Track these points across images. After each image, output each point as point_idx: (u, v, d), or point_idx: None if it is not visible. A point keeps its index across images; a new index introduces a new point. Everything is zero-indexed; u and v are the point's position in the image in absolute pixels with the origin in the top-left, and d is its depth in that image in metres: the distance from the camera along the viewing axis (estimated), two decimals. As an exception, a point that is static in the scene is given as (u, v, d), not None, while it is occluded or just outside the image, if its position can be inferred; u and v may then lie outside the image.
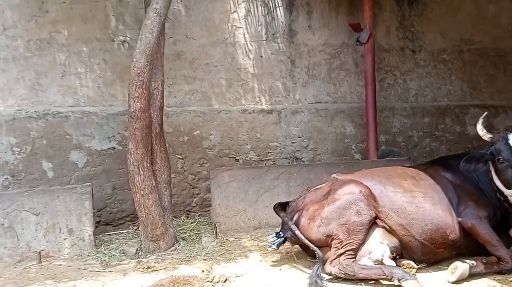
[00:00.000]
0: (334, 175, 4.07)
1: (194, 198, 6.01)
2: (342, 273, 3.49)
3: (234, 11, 6.10)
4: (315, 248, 3.70)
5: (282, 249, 4.19)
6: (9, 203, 4.40)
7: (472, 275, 3.50)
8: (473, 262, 3.55)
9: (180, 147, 5.89)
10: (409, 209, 3.69)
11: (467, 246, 3.84)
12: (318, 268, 3.56)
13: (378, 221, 3.68)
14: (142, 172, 4.46)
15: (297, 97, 6.46)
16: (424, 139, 7.22)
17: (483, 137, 3.86)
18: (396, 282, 3.32)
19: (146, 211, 4.50)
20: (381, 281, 3.44)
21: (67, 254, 4.52)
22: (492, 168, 3.80)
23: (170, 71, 5.71)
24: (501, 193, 3.78)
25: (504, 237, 3.91)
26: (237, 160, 6.14)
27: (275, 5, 6.28)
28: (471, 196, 3.88)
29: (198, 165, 6.00)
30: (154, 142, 4.63)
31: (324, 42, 6.58)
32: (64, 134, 5.41)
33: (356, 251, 3.57)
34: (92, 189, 4.70)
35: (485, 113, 4.08)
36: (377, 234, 3.66)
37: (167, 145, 4.83)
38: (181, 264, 4.22)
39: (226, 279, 3.71)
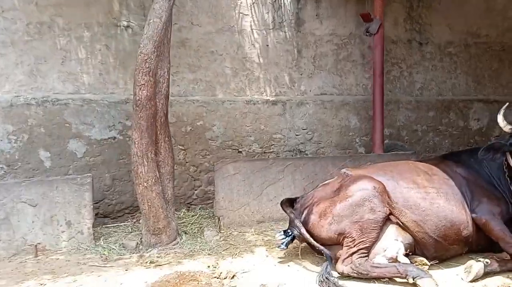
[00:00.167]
0: (344, 170, 3.96)
1: (195, 190, 5.87)
2: (354, 272, 3.39)
3: (241, -2, 5.92)
4: (321, 247, 3.60)
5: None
6: (5, 194, 4.21)
7: (486, 274, 3.43)
8: (487, 260, 3.47)
9: (183, 137, 5.73)
10: (423, 205, 3.59)
11: (478, 242, 3.80)
12: (327, 265, 3.46)
13: (391, 217, 3.58)
14: (146, 162, 4.30)
15: (302, 89, 6.31)
16: (428, 133, 7.13)
17: (504, 129, 3.83)
18: (410, 280, 3.25)
19: (149, 204, 4.35)
20: (395, 279, 3.35)
21: (65, 247, 4.36)
22: (510, 159, 3.76)
23: (174, 59, 5.49)
24: None
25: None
26: (240, 152, 6.00)
27: (283, -7, 6.11)
28: (484, 191, 3.83)
29: (200, 157, 5.85)
30: (158, 132, 4.48)
31: (332, 32, 6.42)
32: (63, 123, 5.22)
33: (369, 249, 3.46)
34: (92, 180, 4.54)
35: (507, 104, 4.01)
36: (391, 231, 3.56)
37: (169, 135, 4.68)
38: (185, 258, 4.09)
39: (233, 275, 3.59)
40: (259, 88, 6.08)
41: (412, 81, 7.04)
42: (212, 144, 5.88)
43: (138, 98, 4.20)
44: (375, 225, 3.45)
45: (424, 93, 7.12)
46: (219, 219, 4.86)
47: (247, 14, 5.99)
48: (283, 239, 3.82)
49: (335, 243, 3.60)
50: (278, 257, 4.04)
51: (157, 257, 4.14)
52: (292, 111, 6.22)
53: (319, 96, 6.39)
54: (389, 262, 3.45)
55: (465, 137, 7.37)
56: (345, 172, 3.89)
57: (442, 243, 3.59)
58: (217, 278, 3.57)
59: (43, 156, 5.17)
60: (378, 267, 3.37)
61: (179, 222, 5.07)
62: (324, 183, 4.12)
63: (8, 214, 4.21)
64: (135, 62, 5.41)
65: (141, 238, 4.59)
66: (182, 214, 5.46)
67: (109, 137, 5.42)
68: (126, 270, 3.82)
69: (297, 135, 6.27)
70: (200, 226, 5.12)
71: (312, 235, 3.68)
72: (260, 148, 6.07)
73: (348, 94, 6.58)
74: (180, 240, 4.62)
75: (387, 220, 3.57)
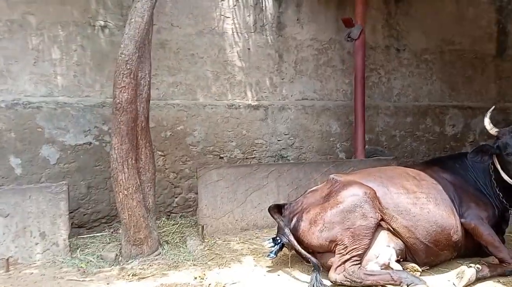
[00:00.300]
0: (332, 176, 3.88)
1: (176, 197, 5.67)
2: (347, 281, 3.31)
3: (223, 0, 5.78)
4: (308, 256, 3.50)
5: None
6: (-27, 203, 3.91)
7: (478, 279, 3.42)
8: (478, 266, 3.47)
9: (162, 143, 5.53)
10: (414, 211, 3.57)
11: (466, 247, 3.81)
12: (316, 274, 3.37)
13: (382, 223, 3.53)
14: (126, 169, 4.09)
15: (284, 93, 6.24)
16: (406, 139, 7.22)
17: (490, 131, 3.92)
18: (404, 288, 3.19)
19: (129, 213, 4.14)
20: (389, 287, 3.30)
21: (39, 260, 4.07)
22: (497, 162, 3.80)
23: (153, 61, 5.13)
24: (501, 188, 3.82)
25: (500, 237, 3.90)
26: (222, 158, 5.85)
27: (265, -4, 6.04)
28: (471, 196, 3.86)
29: (181, 163, 5.66)
30: (139, 137, 4.27)
31: (312, 37, 6.40)
32: (35, 127, 4.91)
33: (362, 256, 3.39)
34: (68, 188, 4.27)
35: (492, 107, 4.08)
36: (383, 237, 3.51)
37: (149, 141, 4.47)
38: (169, 270, 3.90)
39: (223, 287, 3.45)
40: (241, 93, 5.96)
41: (390, 87, 7.11)
42: (193, 150, 5.71)
43: (118, 101, 3.99)
44: (367, 232, 3.39)
45: (401, 99, 7.20)
46: (203, 227, 4.69)
47: (229, 17, 5.87)
48: (272, 247, 3.71)
49: (327, 250, 3.52)
50: (267, 267, 3.92)
51: (140, 269, 3.93)
52: (274, 116, 6.14)
53: (300, 101, 6.34)
54: (381, 269, 3.40)
55: (441, 143, 7.51)
56: (333, 178, 3.82)
57: (433, 249, 3.57)
58: (206, 290, 3.41)
59: (13, 163, 4.84)
60: (371, 274, 3.31)
61: (159, 231, 4.86)
62: (312, 189, 4.03)
63: (-25, 225, 3.90)
64: (112, 63, 5.26)
65: (120, 249, 4.36)
66: (162, 223, 5.25)
67: (84, 143, 5.15)
68: (107, 283, 3.60)
69: (279, 140, 6.18)
70: (182, 235, 4.93)
71: (302, 243, 3.58)
72: (242, 153, 5.95)
73: (328, 100, 6.56)
74: (162, 250, 4.41)
75: (378, 226, 3.52)
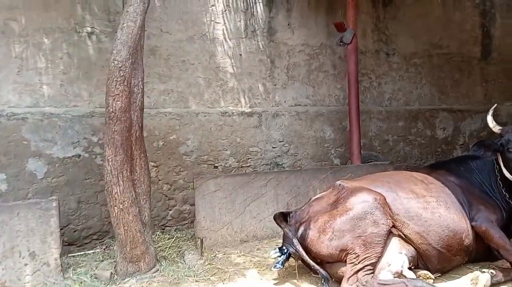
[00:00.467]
0: (339, 182, 3.76)
1: (170, 210, 5.44)
2: (361, 291, 3.18)
3: (213, 5, 5.65)
4: (317, 267, 3.37)
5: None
6: (-45, 223, 3.62)
7: (492, 285, 3.34)
8: (492, 271, 3.39)
9: (155, 153, 5.31)
10: (425, 215, 3.47)
11: (477, 251, 3.74)
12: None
13: (393, 229, 3.42)
14: (121, 182, 3.88)
15: (277, 99, 6.12)
16: (398, 143, 7.19)
17: (493, 129, 3.89)
18: (421, 297, 3.08)
19: (125, 228, 3.92)
20: (404, 296, 3.17)
21: (29, 282, 3.78)
22: (501, 159, 3.78)
23: None
24: (507, 188, 3.79)
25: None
26: (216, 167, 5.67)
27: (255, 1, 5.91)
28: (479, 199, 3.81)
29: (174, 173, 5.45)
30: (133, 147, 4.07)
31: (304, 42, 6.32)
32: (21, 140, 4.63)
33: (374, 265, 3.27)
34: (58, 203, 4.02)
35: (495, 105, 4.06)
36: (394, 244, 3.40)
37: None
38: (170, 287, 3.70)
39: (231, 304, 3.26)
40: (234, 99, 5.81)
41: (381, 91, 7.08)
42: (187, 159, 5.51)
43: (111, 110, 3.79)
44: (380, 239, 3.27)
45: (393, 104, 7.18)
46: (202, 240, 4.49)
47: (219, 22, 5.73)
48: (278, 257, 3.55)
49: (337, 260, 3.38)
50: (273, 279, 3.75)
51: (138, 287, 3.71)
52: (268, 123, 6.00)
53: (293, 107, 6.24)
54: (394, 277, 3.28)
55: (433, 146, 7.51)
56: (340, 184, 3.70)
57: (445, 254, 3.47)
58: (213, 307, 3.22)
59: (-3, 178, 4.56)
60: (385, 284, 3.18)
61: (155, 246, 4.62)
62: (316, 196, 3.90)
63: (-43, 247, 3.60)
64: (100, 71, 5.07)
65: (115, 267, 4.13)
66: (157, 237, 5.01)
67: (73, 155, 4.89)
68: (105, 305, 3.36)
69: (273, 148, 6.04)
70: (179, 249, 4.72)
71: (310, 252, 3.44)
72: (236, 162, 5.78)
73: (321, 105, 6.48)
74: (160, 266, 4.20)
75: (389, 233, 3.40)
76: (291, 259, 3.63)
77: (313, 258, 3.45)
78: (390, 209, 3.43)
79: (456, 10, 7.69)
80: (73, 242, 4.88)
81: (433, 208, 3.51)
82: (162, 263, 4.28)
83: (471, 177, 3.99)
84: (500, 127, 3.85)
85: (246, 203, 4.83)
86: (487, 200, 3.81)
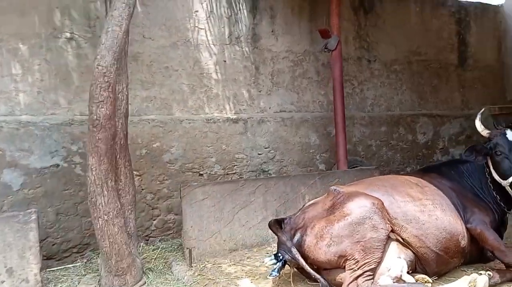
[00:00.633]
0: (333, 187, 3.67)
1: (154, 220, 5.25)
2: (362, 297, 3.09)
3: (196, 11, 5.54)
4: (318, 276, 3.27)
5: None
6: None
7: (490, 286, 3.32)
8: (489, 272, 3.38)
9: (137, 161, 5.12)
10: (422, 218, 3.43)
11: (471, 253, 3.72)
12: None
13: (391, 234, 3.35)
14: (106, 192, 3.69)
15: (262, 106, 6.05)
16: (381, 148, 7.22)
17: (482, 133, 3.90)
18: (421, 302, 3.02)
19: (111, 240, 3.72)
20: (405, 302, 3.11)
21: (6, 301, 3.56)
22: (490, 163, 3.80)
23: None
24: (497, 190, 3.80)
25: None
26: (201, 175, 5.52)
27: (239, 7, 5.85)
28: (472, 202, 3.81)
29: (158, 182, 5.27)
30: (118, 156, 3.91)
31: (287, 49, 6.29)
32: (-5, 150, 4.40)
33: (374, 271, 3.19)
34: (38, 216, 3.78)
35: (482, 109, 4.09)
36: (393, 248, 3.33)
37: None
38: (161, 301, 3.52)
39: (226, 316, 3.12)
40: (219, 106, 5.70)
41: (363, 97, 7.12)
42: (171, 168, 5.34)
43: (96, 117, 3.61)
44: (379, 244, 3.20)
45: (375, 109, 7.23)
46: (190, 251, 4.32)
47: (203, 28, 5.64)
48: (273, 264, 3.43)
49: (335, 266, 3.29)
50: (268, 289, 3.62)
51: (126, 302, 3.51)
52: (253, 129, 5.91)
53: (278, 114, 6.17)
54: (393, 282, 3.21)
55: (414, 151, 7.59)
56: (335, 189, 3.61)
57: (443, 257, 3.44)
58: (208, 321, 3.07)
59: (-31, 191, 4.28)
60: (386, 289, 3.11)
61: (140, 258, 4.44)
62: (310, 202, 3.81)
63: None
64: (79, 78, 4.88)
65: (99, 281, 3.94)
66: (141, 249, 4.80)
67: (51, 165, 4.66)
68: (92, 323, 3.16)
69: (259, 154, 5.95)
70: (166, 260, 4.54)
71: (307, 259, 3.33)
72: (222, 169, 5.65)
73: (306, 111, 6.45)
74: (147, 279, 4.02)
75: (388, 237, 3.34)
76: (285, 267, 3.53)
77: (310, 265, 3.34)
78: (388, 213, 3.37)
79: (433, 18, 7.86)
80: (52, 256, 4.62)
81: (429, 211, 3.48)
82: (149, 275, 4.10)
83: (462, 180, 3.99)
84: (488, 131, 3.88)
85: (234, 211, 4.70)
86: (479, 202, 3.81)
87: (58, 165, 4.69)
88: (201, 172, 5.51)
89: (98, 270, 4.28)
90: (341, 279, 3.25)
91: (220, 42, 5.74)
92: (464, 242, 3.54)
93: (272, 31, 6.17)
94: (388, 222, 3.30)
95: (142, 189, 5.17)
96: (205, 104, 5.58)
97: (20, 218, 3.67)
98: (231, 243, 4.67)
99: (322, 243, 3.28)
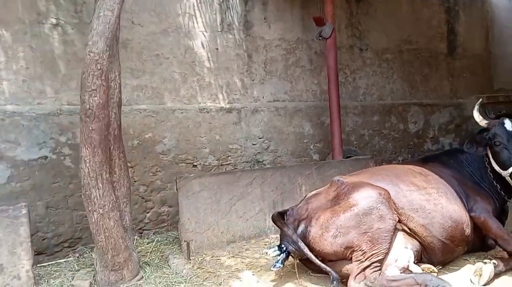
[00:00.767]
0: (337, 177, 3.60)
1: (147, 213, 5.10)
2: (370, 289, 3.03)
3: (188, -4, 5.37)
4: (328, 269, 3.19)
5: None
6: None
7: (495, 275, 3.30)
8: (494, 261, 3.36)
9: (129, 153, 4.93)
10: (428, 207, 3.39)
11: (473, 242, 3.71)
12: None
13: (397, 224, 3.30)
14: (101, 185, 3.54)
15: (255, 95, 5.92)
16: (374, 137, 7.20)
17: (480, 123, 3.86)
18: (430, 291, 2.98)
19: (107, 234, 3.58)
20: (414, 292, 3.06)
21: (-3, 299, 3.38)
22: (490, 153, 3.78)
23: None
24: (497, 179, 3.79)
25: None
26: (195, 166, 5.38)
27: (231, -8, 5.69)
28: (474, 190, 3.79)
29: (151, 174, 5.11)
30: (112, 147, 3.74)
31: (280, 37, 6.16)
32: (-21, 142, 4.17)
33: (382, 262, 3.13)
34: (28, 210, 3.60)
35: (480, 100, 4.05)
36: (400, 238, 3.29)
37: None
38: (161, 296, 3.40)
39: (232, 311, 3.02)
40: (211, 95, 5.55)
41: (356, 86, 7.06)
42: (164, 159, 5.18)
43: (88, 106, 3.43)
44: (386, 235, 3.14)
45: (367, 99, 7.18)
46: (188, 244, 4.19)
47: (194, 15, 5.46)
48: (277, 255, 3.35)
49: (341, 257, 3.22)
50: (271, 281, 3.54)
51: (125, 299, 3.38)
52: (247, 119, 5.78)
53: (272, 103, 6.06)
54: (401, 273, 3.17)
55: (406, 140, 7.59)
56: (339, 180, 3.54)
57: (449, 245, 3.41)
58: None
59: (-48, 185, 4.05)
60: (394, 280, 3.05)
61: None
62: (313, 193, 3.73)
63: None
64: (66, 66, 4.66)
65: (94, 276, 3.79)
66: (135, 242, 4.65)
67: (39, 157, 4.45)
68: (90, 321, 3.02)
69: (253, 144, 5.84)
70: (162, 254, 4.41)
71: (312, 250, 3.26)
72: (216, 160, 5.52)
73: (299, 101, 6.35)
74: (144, 273, 3.89)
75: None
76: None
77: (315, 256, 3.27)
78: (394, 203, 3.32)
79: (424, 7, 7.83)
80: (42, 251, 4.44)
81: (435, 200, 3.44)
82: (146, 269, 3.97)
83: (462, 169, 3.97)
84: (486, 121, 3.84)
85: (231, 202, 4.59)
86: (480, 191, 3.80)
87: (46, 157, 4.49)
88: (195, 163, 5.37)
89: (92, 264, 4.13)
90: (347, 270, 3.19)
91: (211, 29, 5.57)
92: (468, 230, 3.52)
93: (264, 18, 6.02)
94: (395, 212, 3.25)
95: (135, 181, 5.00)
96: (197, 93, 5.43)
97: (10, 212, 3.49)
98: (229, 235, 4.57)
99: (328, 234, 3.21)
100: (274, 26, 6.11)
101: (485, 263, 3.32)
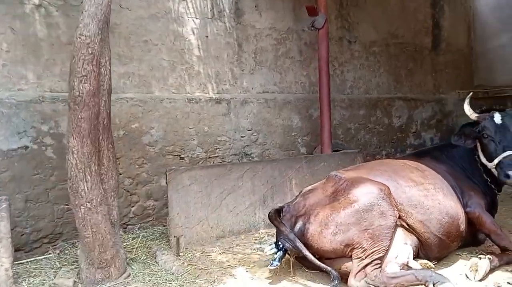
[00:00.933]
0: (334, 173, 3.54)
1: (132, 207, 4.91)
2: (370, 287, 2.99)
3: (178, -20, 5.14)
4: (328, 268, 3.11)
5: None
6: None
7: (490, 269, 3.32)
8: (489, 256, 3.37)
9: (115, 144, 4.69)
10: (426, 203, 3.37)
11: (466, 237, 3.72)
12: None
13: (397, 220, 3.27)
14: (89, 177, 3.36)
15: (245, 86, 5.78)
16: (359, 131, 7.19)
17: (470, 117, 3.87)
18: (431, 287, 2.96)
19: (94, 230, 3.41)
20: (413, 288, 3.04)
21: (-25, 299, 3.17)
22: (479, 146, 3.80)
23: None
24: (487, 173, 3.81)
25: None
26: (182, 158, 5.21)
27: (222, -22, 5.49)
28: (467, 185, 3.81)
29: (137, 166, 4.92)
30: (101, 137, 3.54)
31: (271, 26, 6.02)
32: (-46, 130, 3.87)
33: (382, 259, 3.09)
34: (9, 204, 3.37)
35: (470, 93, 4.06)
36: (399, 234, 3.25)
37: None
38: (153, 295, 3.26)
39: (229, 310, 2.92)
40: (200, 85, 5.37)
41: (344, 79, 7.01)
42: (150, 150, 4.99)
43: (78, 93, 3.24)
44: (388, 231, 3.10)
45: (354, 92, 7.15)
46: (178, 239, 4.05)
47: (184, 0, 5.24)
48: (274, 253, 3.27)
49: (341, 255, 3.16)
50: (266, 278, 3.45)
51: (114, 297, 3.23)
52: (236, 110, 5.64)
53: (262, 95, 5.93)
54: (400, 269, 3.14)
55: (390, 134, 7.62)
56: (336, 175, 3.47)
57: (445, 241, 3.41)
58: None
59: None
60: (395, 277, 3.02)
61: (121, 247, 4.13)
62: (308, 188, 3.65)
63: None
64: (50, 50, 4.41)
65: (78, 274, 3.61)
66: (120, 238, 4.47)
67: (19, 147, 4.19)
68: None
69: (242, 137, 5.70)
70: (149, 250, 4.25)
71: (311, 248, 3.19)
72: (204, 152, 5.36)
73: (288, 93, 6.24)
74: (132, 271, 3.74)
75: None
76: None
77: (313, 254, 3.20)
78: (394, 199, 3.27)
79: (411, 0, 7.82)
80: (20, 247, 4.20)
81: (432, 195, 3.42)
82: (133, 266, 3.82)
83: (455, 164, 3.97)
84: (476, 115, 3.85)
85: (222, 196, 4.47)
86: (473, 185, 3.81)
87: (27, 147, 4.23)
88: (182, 155, 5.20)
89: (74, 262, 3.95)
90: (346, 268, 3.13)
91: (202, 16, 5.37)
92: (463, 226, 3.53)
93: (255, 6, 5.86)
94: (396, 209, 3.21)
95: (120, 173, 4.78)
96: (186, 82, 5.24)
97: (-11, 207, 3.26)
98: (218, 230, 4.46)
99: (327, 231, 3.14)
100: (265, 15, 5.97)
101: (480, 258, 3.33)
